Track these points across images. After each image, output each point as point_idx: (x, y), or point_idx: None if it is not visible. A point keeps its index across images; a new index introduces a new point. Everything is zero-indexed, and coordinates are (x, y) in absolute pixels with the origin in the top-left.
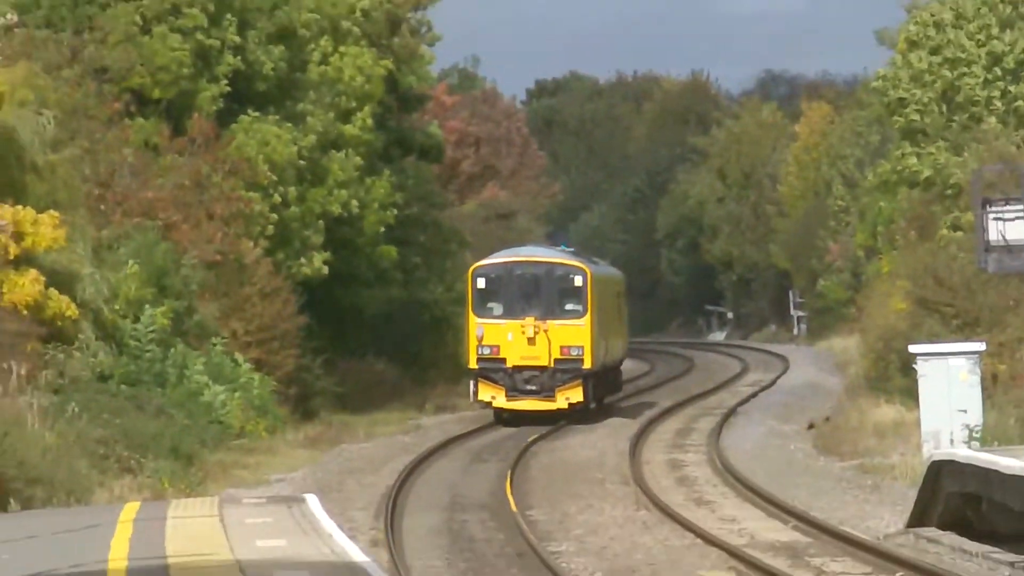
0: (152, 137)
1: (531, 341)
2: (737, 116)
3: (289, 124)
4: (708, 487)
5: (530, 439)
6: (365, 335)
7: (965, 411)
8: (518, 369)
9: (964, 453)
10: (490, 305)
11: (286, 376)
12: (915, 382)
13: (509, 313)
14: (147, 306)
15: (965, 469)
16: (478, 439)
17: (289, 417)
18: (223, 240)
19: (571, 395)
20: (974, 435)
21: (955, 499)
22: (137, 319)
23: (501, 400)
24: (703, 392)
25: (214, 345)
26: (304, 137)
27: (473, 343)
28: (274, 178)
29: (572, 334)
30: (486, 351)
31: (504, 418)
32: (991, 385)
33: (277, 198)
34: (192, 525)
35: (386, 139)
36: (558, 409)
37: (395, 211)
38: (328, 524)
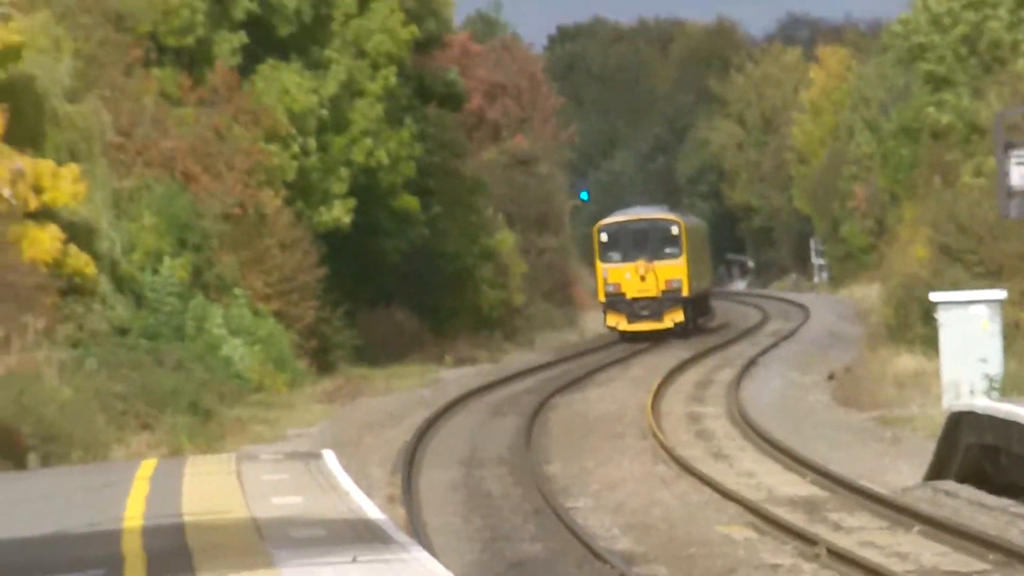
0: (172, 87)
1: (643, 278)
2: (758, 61)
3: (309, 73)
4: (727, 441)
5: (547, 392)
6: (386, 285)
7: (985, 360)
8: (635, 300)
9: (983, 404)
10: (611, 253)
11: (306, 328)
12: (936, 331)
13: (626, 258)
14: (166, 258)
15: (984, 420)
16: (497, 393)
17: (308, 370)
18: (243, 191)
19: (675, 316)
20: (994, 385)
21: (974, 451)
22: (156, 271)
23: (624, 324)
24: (723, 342)
25: (235, 297)
26: (325, 85)
27: (601, 283)
28: (292, 130)
29: (673, 271)
30: (610, 288)
31: (627, 337)
32: (1013, 334)
33: (296, 148)
34: (209, 482)
35: (408, 88)
36: (666, 328)
37: (414, 162)
38: (345, 481)
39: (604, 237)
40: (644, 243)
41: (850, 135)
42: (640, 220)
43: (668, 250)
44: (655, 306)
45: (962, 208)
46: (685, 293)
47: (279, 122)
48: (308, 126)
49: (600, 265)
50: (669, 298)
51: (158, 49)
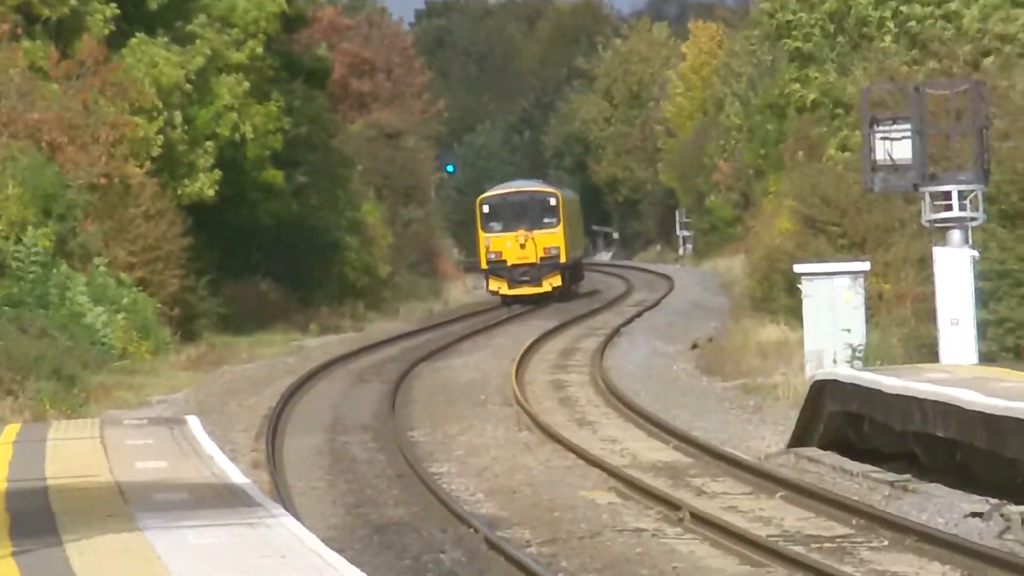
0: (40, 59)
1: (523, 246)
2: (626, 37)
3: (177, 47)
4: (591, 408)
5: (412, 361)
6: (252, 257)
7: (849, 331)
8: (515, 266)
9: (846, 372)
10: (492, 224)
11: (170, 297)
12: (800, 302)
13: (507, 228)
14: (30, 228)
15: (847, 389)
16: (362, 360)
17: (172, 339)
18: (109, 163)
19: (553, 281)
20: (857, 355)
21: (837, 419)
22: (19, 240)
23: (505, 288)
24: (587, 312)
25: (97, 267)
26: (192, 59)
27: (483, 251)
28: (159, 103)
29: (551, 239)
30: (492, 256)
31: (508, 303)
32: (876, 305)
33: (161, 121)
34: (72, 447)
35: (274, 62)
36: (545, 292)
37: (281, 135)
38: (209, 446)
39: (486, 208)
40: (524, 214)
41: (719, 108)
42: (520, 192)
43: (546, 220)
44: (534, 272)
45: (827, 181)
46: (562, 260)
47: (146, 95)
48: (174, 99)
49: (482, 235)
50: (547, 264)
51: (27, 21)
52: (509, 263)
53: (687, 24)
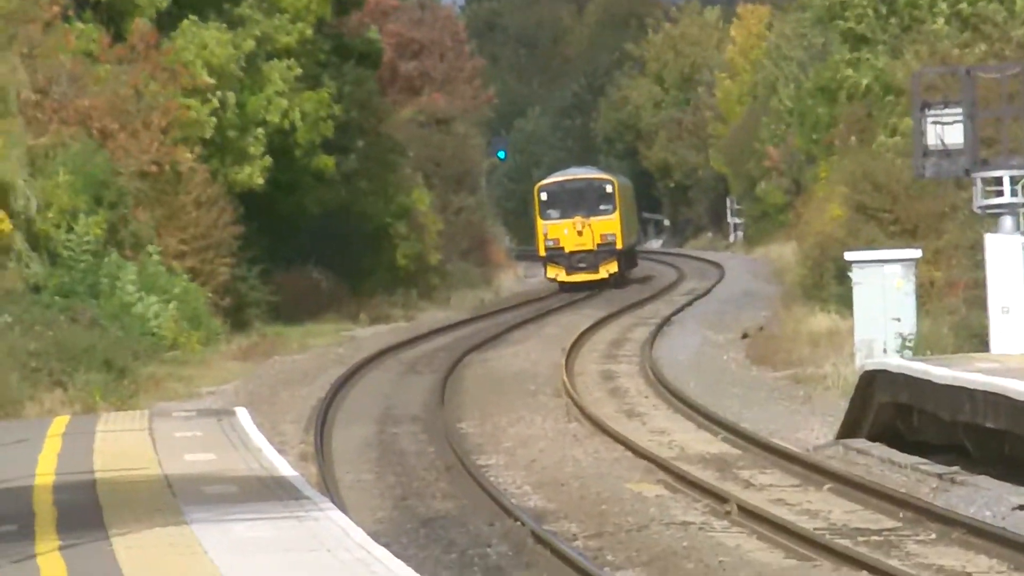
0: (91, 44)
1: (580, 233)
2: (676, 20)
3: (228, 28)
4: (640, 399)
5: (462, 351)
6: (303, 244)
7: (899, 319)
8: (573, 253)
9: (896, 362)
10: (550, 211)
11: (221, 286)
12: (850, 290)
13: (564, 215)
14: (81, 216)
15: (897, 379)
16: (411, 350)
17: (222, 328)
18: (159, 149)
19: (610, 268)
20: (907, 344)
21: (886, 409)
22: (71, 229)
23: (563, 275)
24: (638, 301)
25: (149, 255)
26: (243, 42)
27: (541, 238)
28: (212, 82)
29: (607, 226)
30: (550, 243)
31: (564, 288)
32: (927, 293)
33: (215, 103)
34: (121, 439)
35: (325, 46)
36: (602, 279)
37: (332, 122)
38: (257, 438)
39: (544, 196)
40: (581, 201)
41: (771, 92)
42: (577, 180)
43: (603, 207)
44: (591, 259)
45: (878, 167)
46: (619, 246)
47: (198, 76)
48: (226, 81)
49: (540, 222)
50: (604, 251)
51: (77, 4)
52: (567, 250)
53: (736, 8)
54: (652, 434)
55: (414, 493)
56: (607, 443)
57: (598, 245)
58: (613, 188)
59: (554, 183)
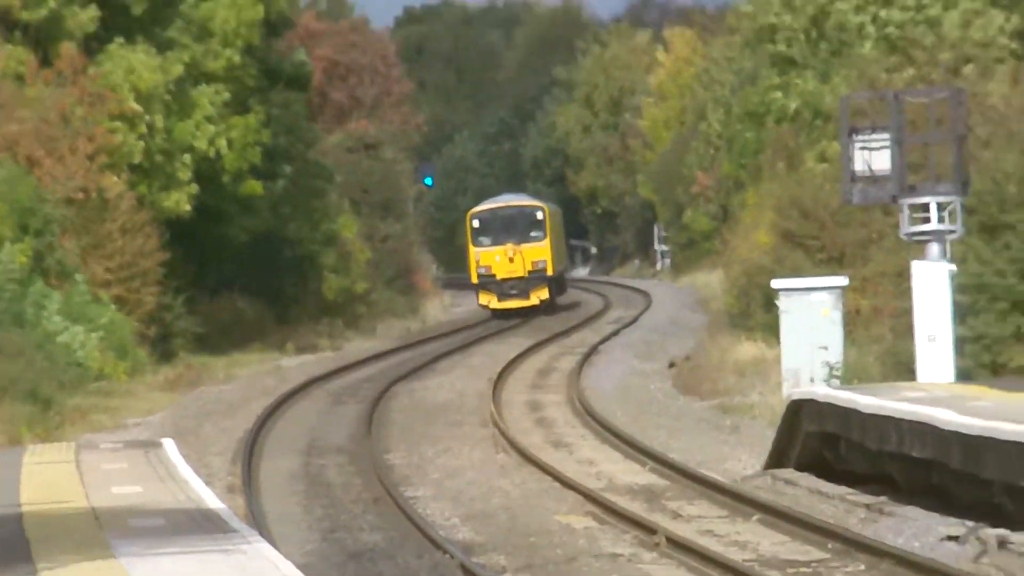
0: (19, 66)
1: (511, 260)
2: (605, 44)
3: (156, 53)
4: (567, 428)
5: (389, 381)
6: (228, 272)
7: (826, 348)
8: (504, 280)
9: (823, 391)
10: (482, 238)
11: (147, 315)
12: (777, 318)
13: (495, 242)
14: (7, 243)
15: (824, 408)
16: (338, 381)
17: (148, 358)
18: (86, 175)
19: (541, 294)
20: (834, 373)
21: (813, 439)
22: None
23: (495, 302)
24: (565, 330)
25: (76, 284)
26: (171, 66)
27: (473, 265)
28: (139, 108)
29: (538, 253)
30: (482, 270)
31: (496, 315)
32: (853, 321)
33: (143, 128)
34: (48, 471)
35: (253, 69)
36: (533, 305)
37: (260, 148)
38: (184, 470)
39: (476, 223)
40: (512, 228)
41: (700, 117)
42: (508, 207)
43: (533, 234)
44: (523, 285)
45: (805, 193)
46: (549, 272)
47: (125, 102)
48: (154, 106)
49: (473, 249)
50: (535, 277)
51: (5, 26)
52: (498, 277)
53: (664, 31)
54: (580, 464)
55: (342, 526)
56: (535, 474)
57: (529, 272)
58: (544, 215)
59: (486, 210)
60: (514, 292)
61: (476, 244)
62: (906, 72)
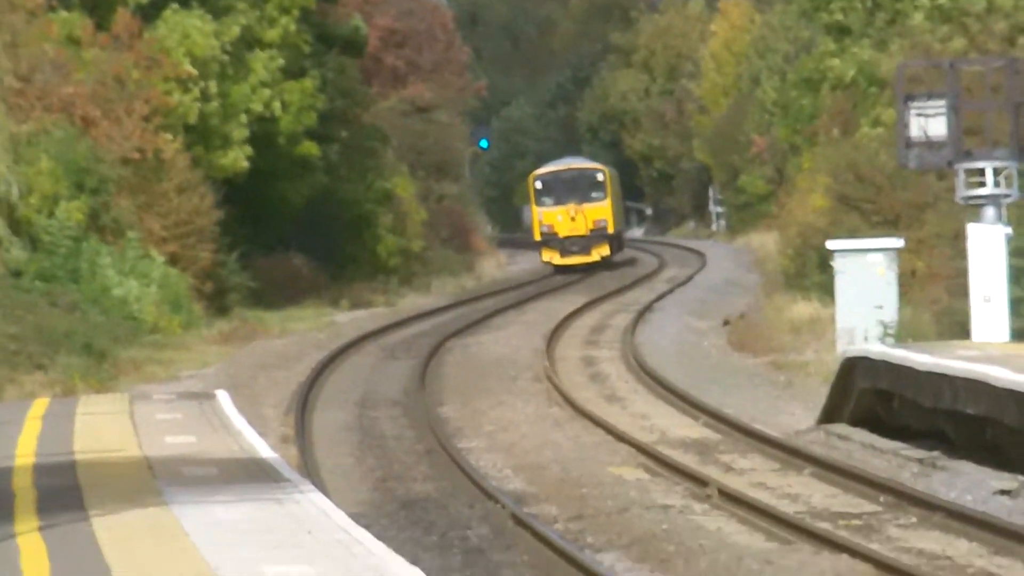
0: (75, 31)
1: (573, 219)
2: (661, 11)
3: (212, 19)
4: (621, 383)
5: (443, 336)
6: (284, 230)
7: (881, 307)
8: (567, 238)
9: (877, 349)
10: (544, 198)
11: (202, 271)
12: (832, 279)
13: (558, 202)
14: (62, 202)
15: (878, 365)
16: (392, 336)
17: (203, 313)
18: (142, 136)
19: (602, 251)
20: (888, 331)
21: (867, 396)
22: (52, 215)
23: (557, 259)
24: (619, 288)
25: (129, 240)
26: (227, 30)
27: (536, 224)
28: (194, 72)
29: (599, 212)
30: (545, 229)
31: (558, 270)
32: (908, 282)
33: (197, 92)
34: (101, 421)
35: (309, 35)
36: (594, 261)
37: (315, 112)
38: (238, 420)
39: (539, 185)
40: (574, 189)
41: (755, 84)
42: (570, 169)
43: (594, 195)
44: (584, 243)
45: (861, 158)
46: (610, 230)
47: (180, 67)
48: (210, 71)
49: (536, 209)
50: (596, 235)
51: None
52: (561, 235)
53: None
54: (633, 418)
55: (394, 476)
56: (588, 427)
57: (590, 230)
58: (604, 177)
59: (549, 172)
60: (575, 249)
61: (539, 204)
62: (956, 42)
